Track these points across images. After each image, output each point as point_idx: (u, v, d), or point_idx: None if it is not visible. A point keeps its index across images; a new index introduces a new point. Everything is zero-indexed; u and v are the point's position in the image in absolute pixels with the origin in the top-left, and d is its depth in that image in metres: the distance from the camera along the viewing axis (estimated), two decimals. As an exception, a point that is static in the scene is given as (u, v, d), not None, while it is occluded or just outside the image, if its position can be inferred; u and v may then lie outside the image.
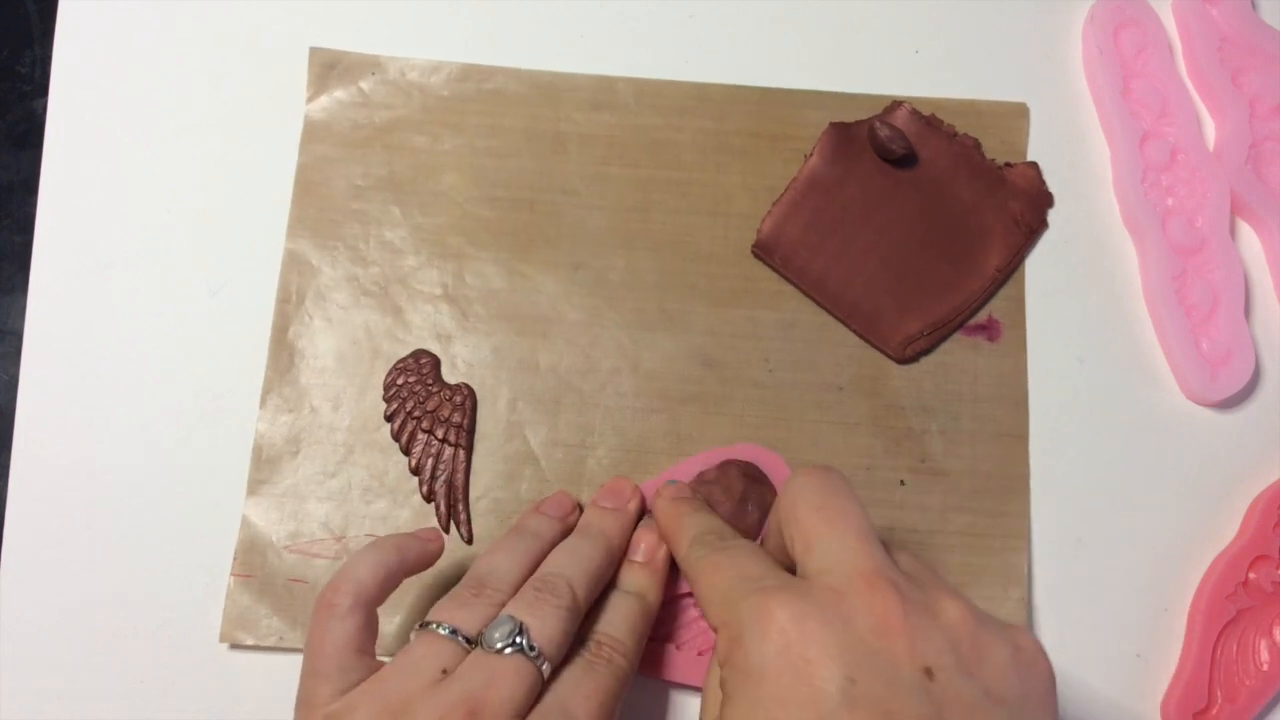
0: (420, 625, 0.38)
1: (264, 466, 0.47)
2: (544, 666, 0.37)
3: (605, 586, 0.42)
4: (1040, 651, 0.35)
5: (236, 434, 0.48)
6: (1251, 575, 0.46)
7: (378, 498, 0.47)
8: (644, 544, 0.44)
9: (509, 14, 0.52)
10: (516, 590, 0.40)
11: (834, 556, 0.35)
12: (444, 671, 0.36)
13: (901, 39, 0.53)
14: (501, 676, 0.36)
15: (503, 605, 0.39)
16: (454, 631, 0.37)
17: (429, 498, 0.47)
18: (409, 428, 0.47)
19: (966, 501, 0.48)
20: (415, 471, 0.47)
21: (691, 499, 0.44)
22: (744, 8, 0.53)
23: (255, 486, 0.47)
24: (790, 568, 0.37)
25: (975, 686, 0.32)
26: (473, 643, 0.38)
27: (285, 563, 0.46)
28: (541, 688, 0.37)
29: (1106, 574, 0.47)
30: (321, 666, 0.38)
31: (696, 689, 0.45)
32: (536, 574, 0.40)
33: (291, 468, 0.47)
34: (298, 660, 0.45)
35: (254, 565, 0.46)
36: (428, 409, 0.48)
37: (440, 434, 0.47)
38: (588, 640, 0.40)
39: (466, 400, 0.48)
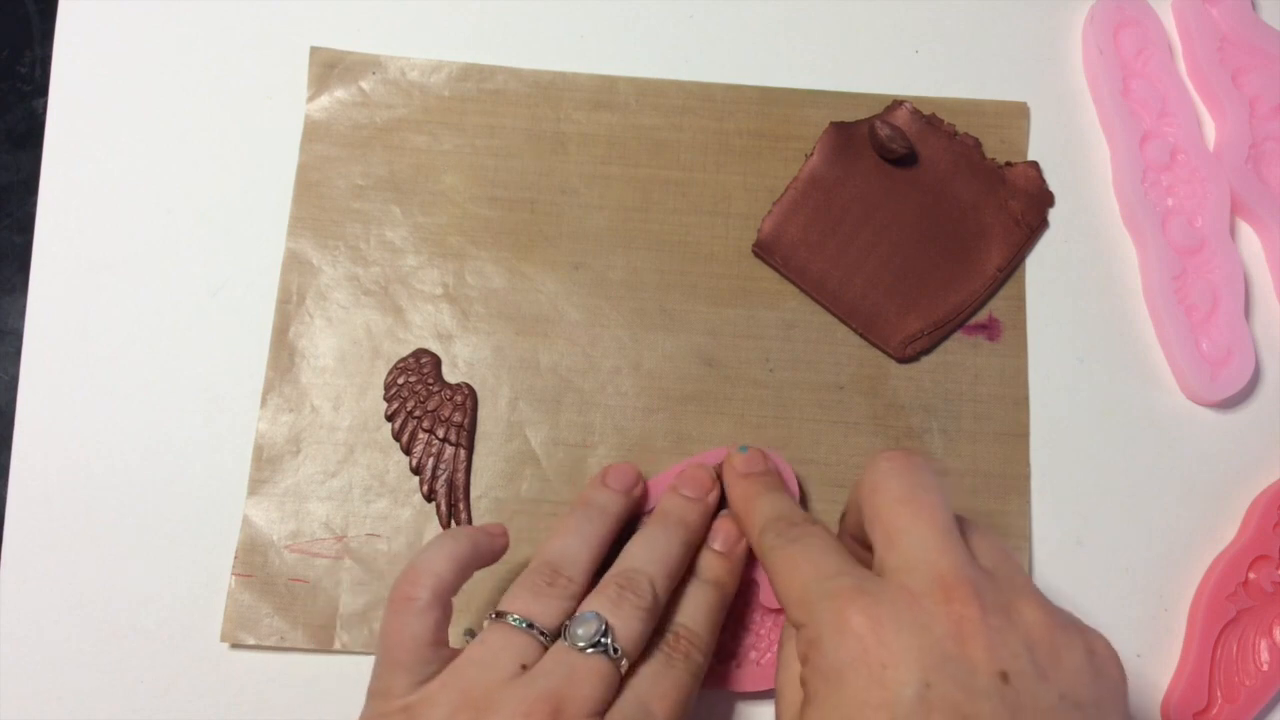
0: (495, 615, 0.39)
1: (265, 466, 0.47)
2: (623, 665, 0.37)
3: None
4: (1114, 656, 0.35)
5: (237, 434, 0.48)
6: (1251, 575, 0.46)
7: (378, 497, 0.47)
8: (723, 532, 0.44)
9: (510, 14, 0.52)
10: (589, 577, 0.40)
11: (914, 555, 0.35)
12: (523, 666, 0.37)
13: (901, 39, 0.53)
14: (583, 675, 0.36)
15: (576, 596, 0.39)
16: (530, 625, 0.38)
17: (430, 497, 0.47)
18: (410, 427, 0.47)
19: (967, 501, 0.48)
20: (416, 471, 0.47)
21: (761, 475, 0.44)
22: (746, 7, 0.53)
23: (256, 486, 0.47)
24: (867, 547, 0.37)
25: (1051, 690, 0.32)
26: (547, 635, 0.38)
27: (286, 562, 0.46)
28: (620, 684, 0.37)
29: (1106, 574, 0.47)
30: (400, 658, 0.38)
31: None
32: (617, 568, 0.41)
33: (292, 467, 0.47)
34: (299, 660, 0.45)
35: (255, 565, 0.46)
36: (428, 408, 0.48)
37: (441, 433, 0.47)
38: (665, 632, 0.40)
39: (467, 400, 0.48)
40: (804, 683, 0.35)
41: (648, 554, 0.41)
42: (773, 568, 0.39)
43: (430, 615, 0.38)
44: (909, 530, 0.35)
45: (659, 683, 0.38)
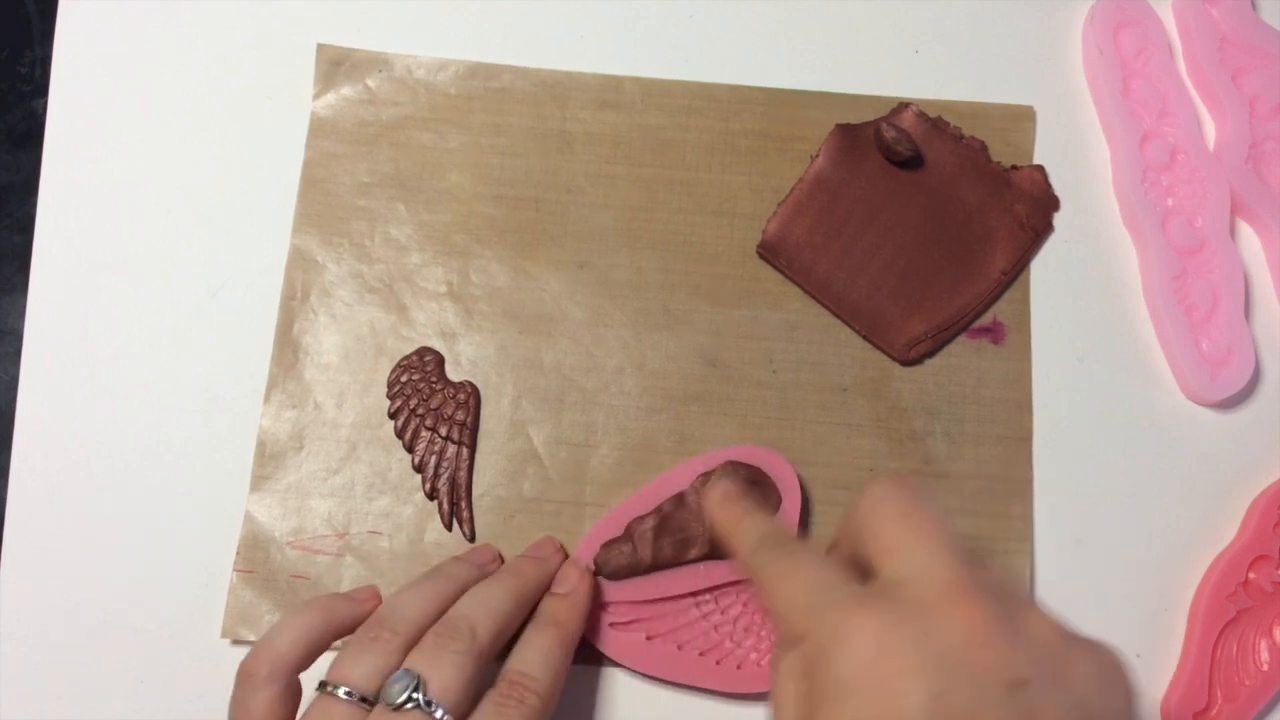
0: (318, 685, 0.38)
1: (267, 462, 0.47)
2: (445, 719, 0.36)
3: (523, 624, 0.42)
4: (1124, 671, 0.34)
5: (237, 434, 0.48)
6: (1251, 575, 0.47)
7: (380, 495, 0.47)
8: (567, 577, 0.44)
9: (516, 12, 0.53)
10: (417, 629, 0.39)
11: (919, 565, 0.34)
12: None
13: (901, 39, 0.53)
14: None
15: (401, 650, 0.38)
16: (349, 692, 0.37)
17: (432, 495, 0.47)
18: (412, 425, 0.47)
19: (969, 504, 0.48)
20: (418, 469, 0.47)
21: (743, 498, 0.43)
22: (745, 8, 0.53)
23: (258, 482, 0.47)
24: (858, 579, 0.37)
25: (1065, 699, 0.32)
26: (370, 700, 0.37)
27: (288, 559, 0.46)
28: None
29: (1106, 574, 0.48)
30: None
31: (695, 689, 0.45)
32: (438, 621, 0.40)
33: (295, 464, 0.47)
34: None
35: (256, 561, 0.46)
36: (431, 406, 0.48)
37: (444, 431, 0.47)
38: (498, 680, 0.39)
39: (470, 398, 0.48)
40: (806, 699, 0.34)
41: (470, 602, 0.40)
42: (768, 581, 0.38)
43: (268, 690, 0.38)
44: (912, 542, 0.35)
45: None
